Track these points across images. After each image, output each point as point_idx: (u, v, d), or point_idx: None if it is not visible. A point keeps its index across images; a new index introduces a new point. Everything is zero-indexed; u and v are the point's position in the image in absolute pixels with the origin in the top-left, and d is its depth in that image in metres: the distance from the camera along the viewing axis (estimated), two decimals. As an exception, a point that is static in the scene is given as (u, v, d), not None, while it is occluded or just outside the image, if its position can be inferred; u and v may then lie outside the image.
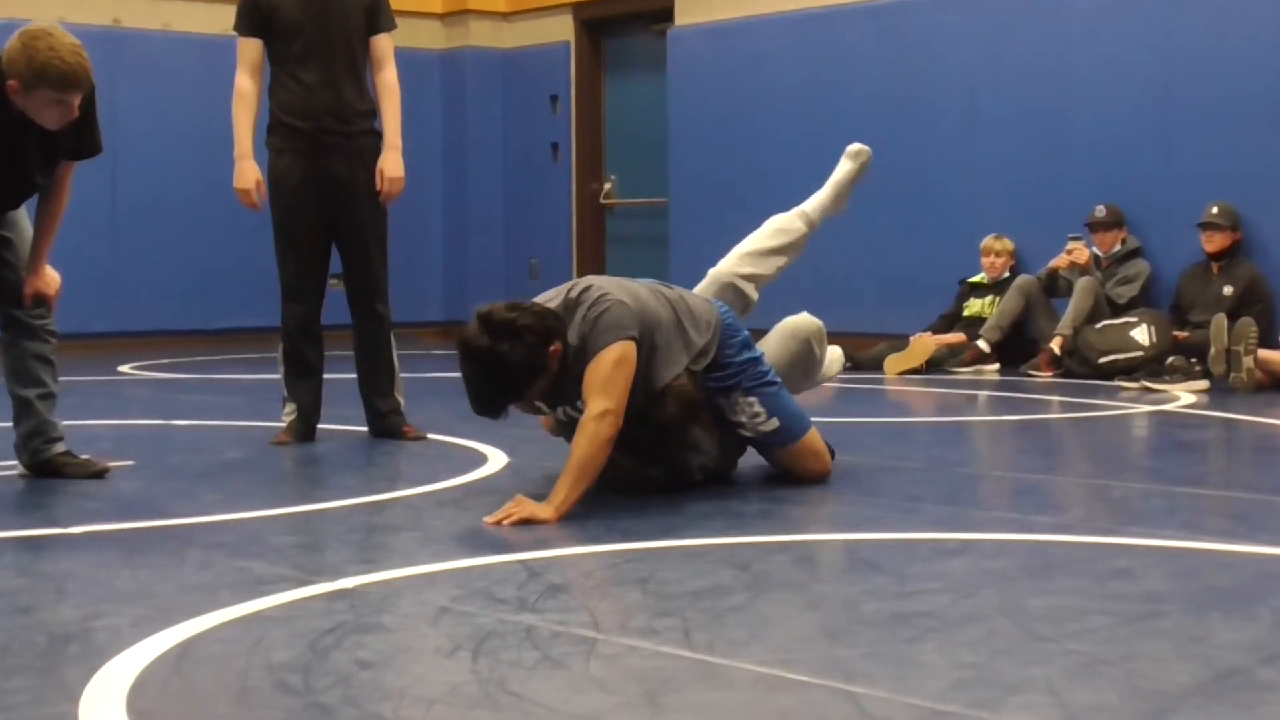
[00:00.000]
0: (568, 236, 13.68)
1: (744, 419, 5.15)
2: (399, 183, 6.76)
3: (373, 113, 6.82)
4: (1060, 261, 10.01)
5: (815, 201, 6.00)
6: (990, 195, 10.74)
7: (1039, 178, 10.52)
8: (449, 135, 14.10)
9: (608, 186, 13.62)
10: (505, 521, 4.59)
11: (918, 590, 3.74)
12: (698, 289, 5.60)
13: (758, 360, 5.17)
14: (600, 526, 4.53)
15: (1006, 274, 10.48)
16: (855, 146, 6.06)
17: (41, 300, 5.49)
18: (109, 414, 7.65)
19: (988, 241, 10.56)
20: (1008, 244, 10.56)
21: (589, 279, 5.08)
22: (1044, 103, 10.49)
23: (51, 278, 5.53)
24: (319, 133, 6.69)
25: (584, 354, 4.82)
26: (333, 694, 2.96)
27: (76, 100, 5.11)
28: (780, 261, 5.78)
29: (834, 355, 5.98)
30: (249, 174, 6.69)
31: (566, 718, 2.75)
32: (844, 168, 6.04)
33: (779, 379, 5.22)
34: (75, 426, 6.36)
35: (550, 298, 5.01)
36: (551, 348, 4.79)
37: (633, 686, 2.97)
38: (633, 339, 4.81)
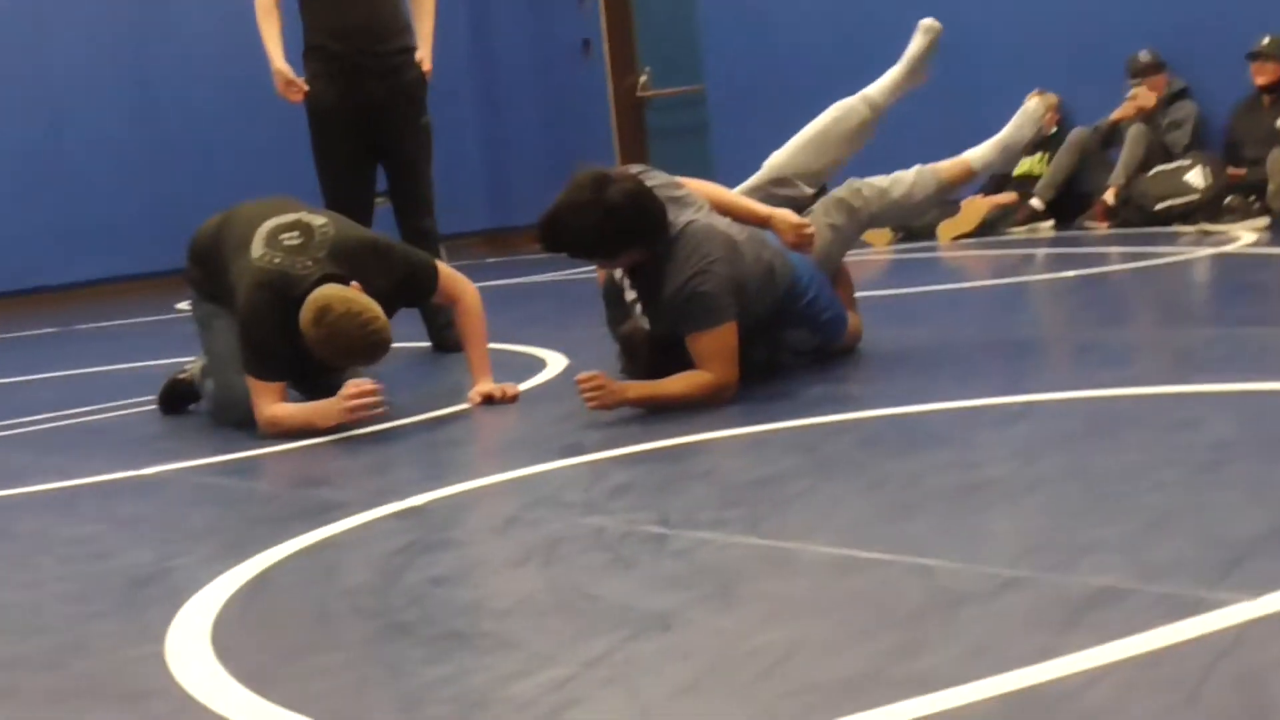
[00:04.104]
0: (607, 133, 13.60)
1: (791, 345, 5.19)
2: None
3: (408, 29, 6.79)
4: (1125, 110, 9.84)
5: (880, 84, 5.72)
6: (1031, 51, 10.60)
7: (1079, 28, 10.37)
8: (477, 40, 14.01)
9: (643, 79, 13.52)
10: (591, 401, 4.58)
11: (983, 459, 3.73)
12: (750, 182, 5.48)
13: (811, 300, 5.10)
14: (661, 421, 4.52)
15: (1054, 129, 10.35)
16: (927, 21, 5.78)
17: None
18: (166, 353, 7.69)
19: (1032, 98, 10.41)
20: (1052, 99, 10.37)
21: (697, 205, 4.92)
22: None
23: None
24: (355, 54, 6.67)
25: (679, 302, 4.73)
26: (409, 613, 2.99)
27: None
28: (842, 151, 5.56)
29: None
30: (284, 76, 6.71)
31: (642, 616, 2.76)
32: (915, 44, 5.75)
33: (820, 293, 5.13)
34: (140, 368, 6.42)
35: (658, 186, 4.90)
36: (648, 238, 4.73)
37: (706, 580, 2.98)
38: (734, 319, 4.75)
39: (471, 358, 5.29)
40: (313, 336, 4.77)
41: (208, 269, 5.26)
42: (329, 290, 4.81)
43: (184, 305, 5.62)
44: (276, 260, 4.94)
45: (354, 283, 4.88)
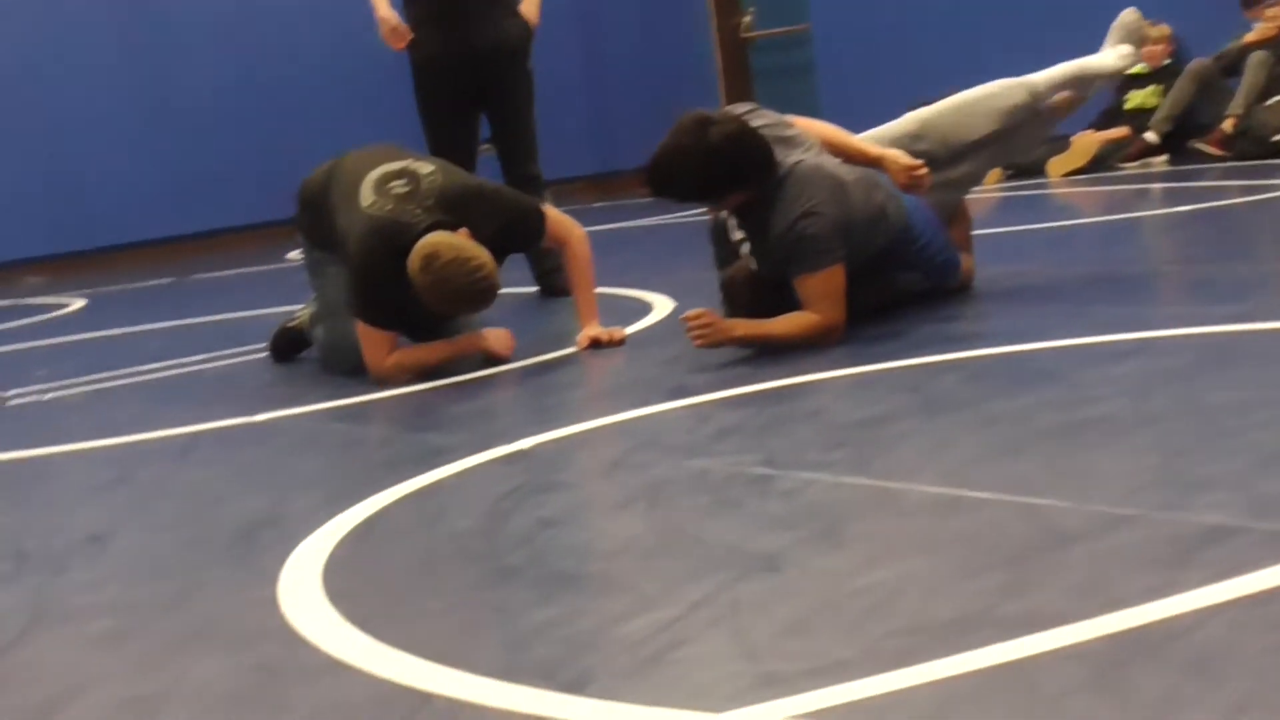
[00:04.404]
0: (712, 75, 13.54)
1: (902, 287, 5.15)
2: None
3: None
4: (1267, 30, 9.61)
5: (1048, 75, 5.46)
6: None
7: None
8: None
9: (747, 19, 13.44)
10: (698, 338, 4.58)
11: (1093, 396, 3.69)
12: (887, 129, 5.39)
13: (924, 244, 5.06)
14: (767, 363, 4.51)
15: (1167, 61, 10.17)
16: (1126, 49, 5.56)
17: None
18: (278, 301, 7.77)
19: (1144, 29, 10.23)
20: (1165, 29, 10.23)
21: (806, 145, 4.87)
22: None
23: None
24: (457, 2, 6.69)
25: (787, 244, 4.71)
26: (516, 555, 3.01)
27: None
28: (990, 128, 5.32)
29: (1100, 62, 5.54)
30: (389, 23, 6.74)
31: (747, 557, 2.77)
32: (1104, 60, 5.55)
33: (934, 237, 5.09)
34: (252, 316, 6.50)
35: (767, 125, 4.88)
36: (753, 180, 4.72)
37: (811, 520, 2.98)
38: (841, 261, 4.72)
39: (579, 302, 5.31)
40: (421, 283, 4.79)
41: (316, 216, 5.30)
42: (437, 237, 4.83)
43: (295, 255, 5.67)
44: (387, 208, 4.97)
45: (463, 229, 4.89)
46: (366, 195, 5.03)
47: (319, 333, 5.44)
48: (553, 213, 5.32)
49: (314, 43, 12.49)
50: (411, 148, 5.46)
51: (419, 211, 4.95)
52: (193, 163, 12.11)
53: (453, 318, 5.18)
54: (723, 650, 2.33)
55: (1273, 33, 9.55)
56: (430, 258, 4.77)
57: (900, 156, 5.00)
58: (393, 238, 4.91)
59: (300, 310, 5.74)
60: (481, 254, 4.82)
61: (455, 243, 4.81)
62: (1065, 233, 7.36)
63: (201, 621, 2.84)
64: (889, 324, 4.92)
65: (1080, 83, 5.54)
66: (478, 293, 4.84)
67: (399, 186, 5.03)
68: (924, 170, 4.99)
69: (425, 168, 5.13)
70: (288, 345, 5.71)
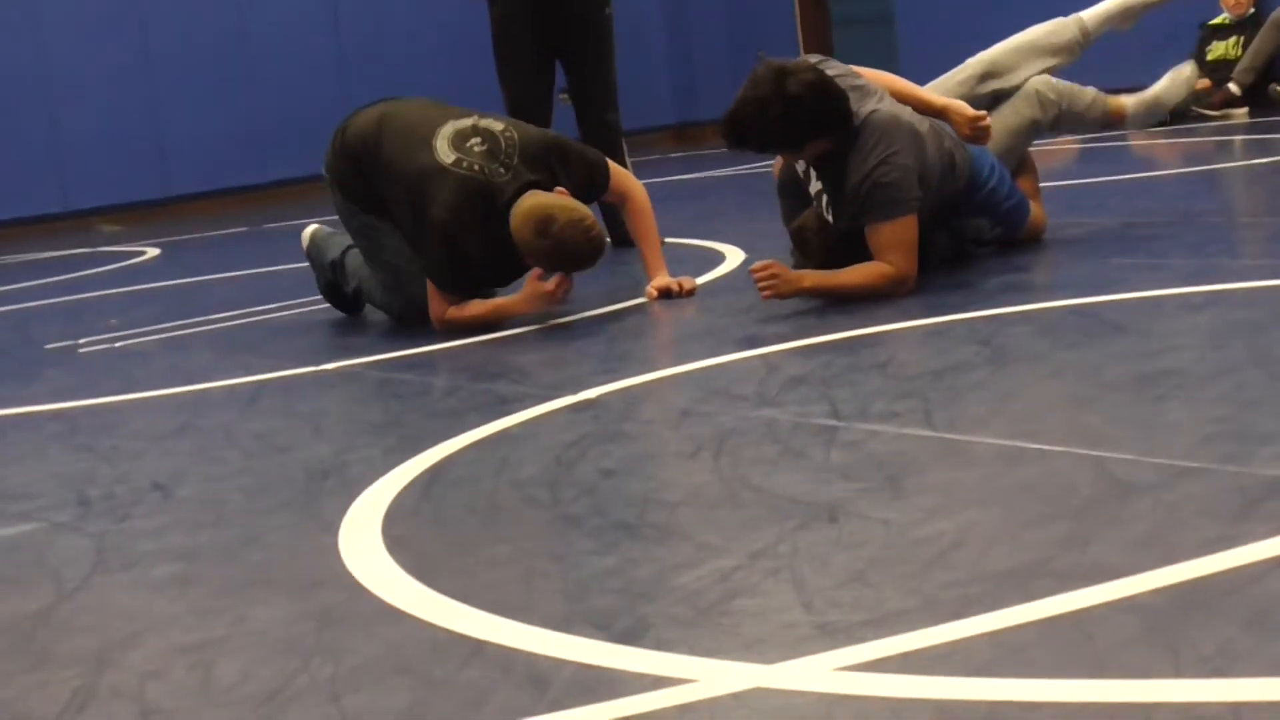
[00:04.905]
0: (791, 23, 13.46)
1: (971, 234, 5.12)
2: None
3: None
4: None
5: (1097, 11, 5.64)
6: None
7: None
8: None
9: (828, -33, 13.34)
10: (766, 290, 4.56)
11: (1164, 348, 3.65)
12: (950, 77, 5.38)
13: (992, 190, 5.02)
14: (837, 314, 4.49)
15: (1251, 10, 10.02)
16: None
17: None
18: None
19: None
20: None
21: (878, 95, 4.84)
22: None
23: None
24: None
25: (862, 193, 4.68)
26: (578, 504, 3.01)
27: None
28: (1046, 64, 5.45)
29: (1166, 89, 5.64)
30: None
31: (809, 508, 2.75)
32: None
33: (1000, 183, 5.05)
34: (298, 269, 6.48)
35: (839, 76, 4.85)
36: (832, 127, 4.69)
37: (875, 471, 2.96)
38: (915, 211, 4.68)
39: (646, 254, 5.29)
40: (537, 245, 4.78)
41: (363, 165, 5.21)
42: (543, 199, 4.82)
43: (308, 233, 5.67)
44: (475, 166, 4.94)
45: (559, 189, 4.88)
46: (446, 152, 4.98)
47: (379, 295, 5.38)
48: (615, 167, 5.30)
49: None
50: (476, 103, 5.43)
51: (504, 171, 4.93)
52: (269, 111, 12.15)
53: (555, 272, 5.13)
54: (780, 601, 2.32)
55: None
56: (546, 220, 4.75)
57: (964, 107, 4.98)
58: (487, 198, 4.88)
59: (328, 254, 5.64)
60: (589, 213, 4.84)
61: (565, 204, 4.81)
62: (1143, 184, 7.27)
63: (262, 568, 2.85)
64: (960, 275, 4.88)
65: (1128, 14, 5.66)
66: (595, 251, 4.86)
67: (478, 144, 4.99)
68: (987, 121, 4.96)
69: (496, 124, 5.10)
70: (347, 302, 5.67)
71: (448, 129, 5.05)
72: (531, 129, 5.22)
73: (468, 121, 5.09)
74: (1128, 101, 5.54)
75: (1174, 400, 3.18)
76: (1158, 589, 2.11)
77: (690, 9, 13.98)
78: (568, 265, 4.88)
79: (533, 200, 4.81)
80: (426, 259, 4.99)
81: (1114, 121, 5.55)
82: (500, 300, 5.07)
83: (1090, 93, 5.42)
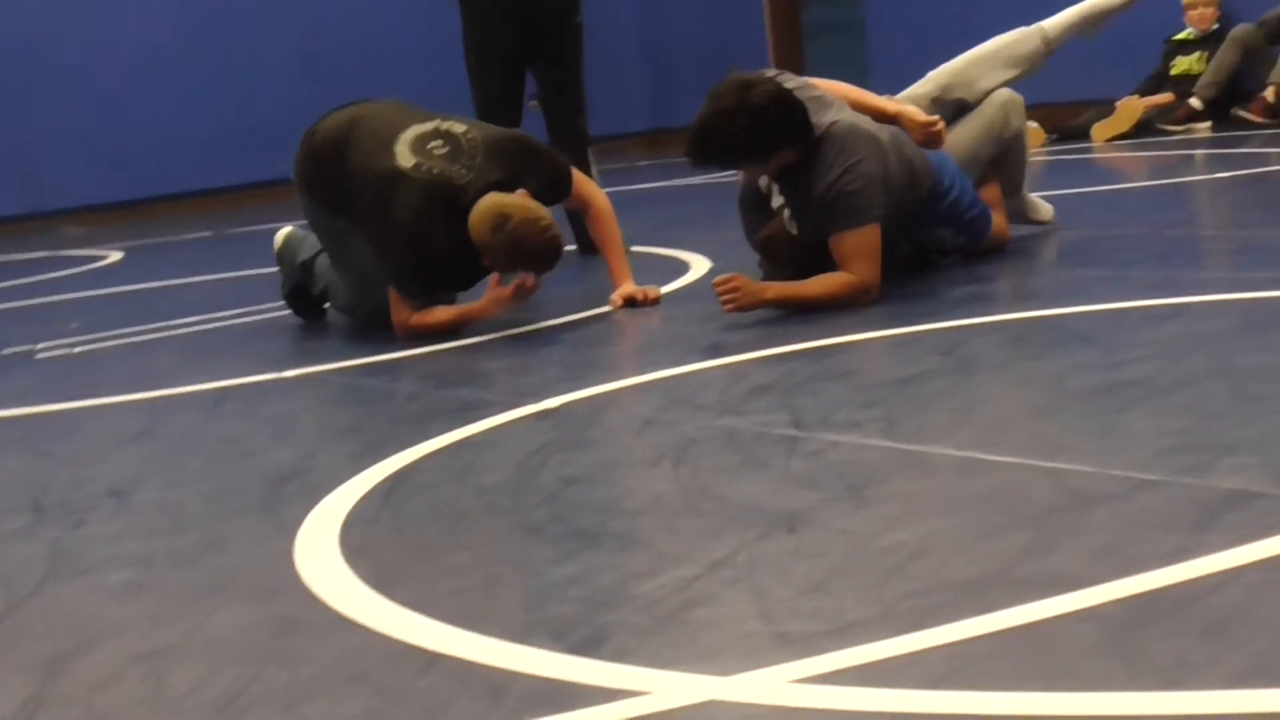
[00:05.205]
0: (761, 31, 13.46)
1: (934, 244, 5.13)
2: None
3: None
4: None
5: (1058, 20, 5.67)
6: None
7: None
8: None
9: (799, -25, 13.35)
10: (728, 303, 4.54)
11: (1127, 359, 3.65)
12: (914, 89, 5.40)
13: (954, 200, 5.03)
14: (801, 323, 4.48)
15: (1215, 26, 10.06)
16: None
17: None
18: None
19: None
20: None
21: (837, 105, 4.84)
22: None
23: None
24: None
25: (826, 203, 4.68)
26: (540, 512, 3.00)
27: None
28: (1007, 75, 5.48)
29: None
30: None
31: (769, 517, 2.75)
32: None
33: (962, 193, 5.06)
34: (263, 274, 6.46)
35: (797, 88, 4.85)
36: (797, 138, 4.69)
37: (836, 481, 2.96)
38: (879, 220, 4.67)
39: (610, 261, 5.28)
40: (492, 244, 4.76)
41: (330, 169, 5.17)
42: (501, 198, 4.81)
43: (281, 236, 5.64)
44: (435, 170, 4.93)
45: (520, 190, 4.87)
46: (406, 156, 4.97)
47: (342, 298, 5.36)
48: (577, 173, 5.30)
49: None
50: (445, 106, 5.42)
51: (466, 172, 4.92)
52: (236, 114, 12.10)
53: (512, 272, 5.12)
54: (739, 610, 2.31)
55: None
56: (502, 218, 4.74)
57: (916, 112, 5.01)
58: (448, 200, 4.87)
59: (299, 255, 5.62)
60: (547, 214, 4.82)
61: (522, 203, 4.79)
62: (1107, 197, 7.29)
63: (219, 575, 2.83)
64: (925, 284, 4.89)
65: (1089, 23, 5.70)
66: (551, 251, 4.83)
67: (438, 147, 4.98)
68: (940, 125, 5.00)
69: (457, 126, 5.09)
70: (310, 306, 5.66)
71: (409, 134, 5.03)
72: (497, 129, 5.22)
73: (430, 125, 5.07)
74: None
75: (1135, 411, 3.19)
76: (1116, 600, 2.11)
77: (663, 17, 13.98)
78: (524, 263, 4.86)
79: (491, 199, 4.81)
80: (389, 264, 4.98)
81: (1010, 197, 5.55)
82: (464, 307, 5.06)
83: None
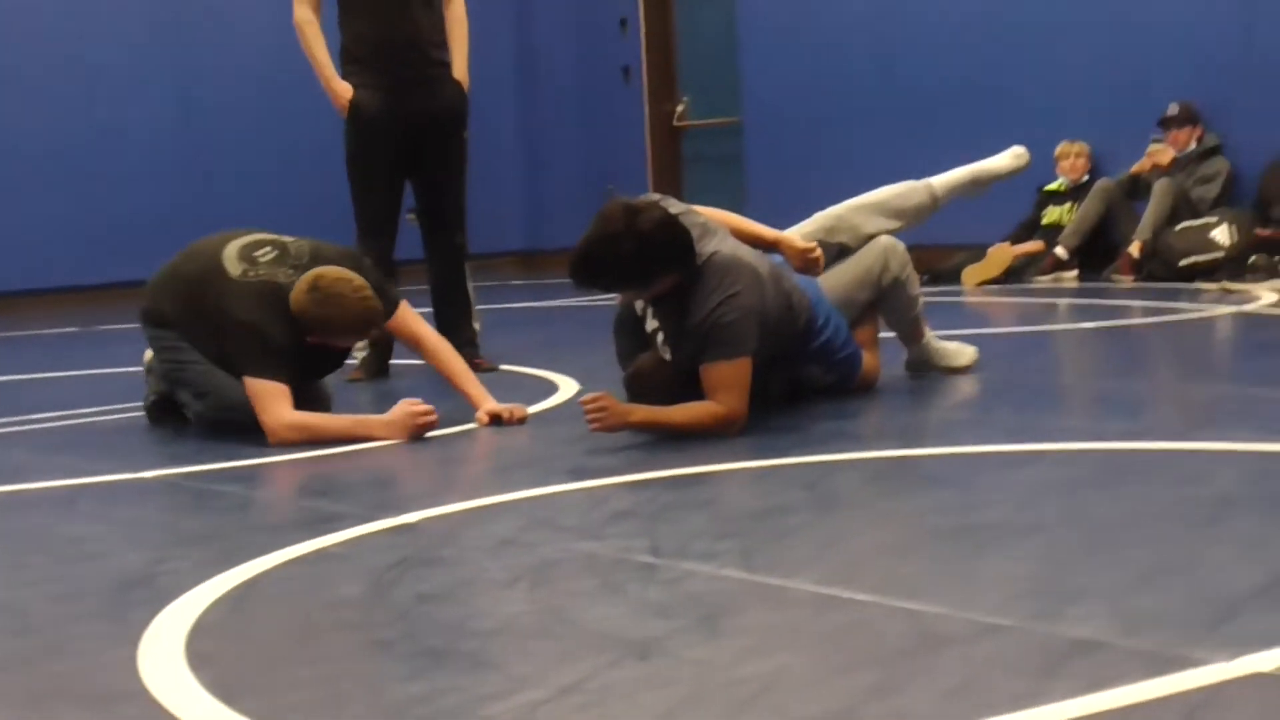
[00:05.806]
0: (642, 159, 13.60)
1: (805, 381, 5.20)
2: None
3: (446, 43, 6.80)
4: (1142, 165, 9.83)
5: (947, 179, 5.77)
6: (1065, 101, 10.54)
7: (1114, 78, 10.33)
8: (520, 62, 14.03)
9: (680, 108, 13.52)
10: (594, 423, 4.55)
11: (983, 503, 3.70)
12: (799, 228, 5.46)
13: (827, 339, 5.09)
14: (667, 450, 4.50)
15: (1085, 177, 10.30)
16: (1019, 149, 5.87)
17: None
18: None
19: (1062, 147, 10.37)
20: (1084, 146, 10.38)
21: (720, 234, 4.90)
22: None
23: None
24: (397, 67, 6.68)
25: (701, 332, 4.72)
26: (391, 629, 2.98)
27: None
28: (891, 225, 5.54)
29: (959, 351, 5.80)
30: (345, 92, 6.69)
31: (622, 644, 2.74)
32: (998, 162, 5.85)
33: (836, 332, 5.13)
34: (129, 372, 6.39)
35: (681, 214, 4.88)
36: (682, 267, 4.72)
37: (690, 610, 2.96)
38: (751, 353, 4.72)
39: (465, 388, 5.28)
40: (309, 309, 4.95)
41: (163, 295, 5.28)
42: (316, 269, 5.02)
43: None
44: (260, 274, 5.07)
45: None
46: (233, 266, 5.11)
47: (199, 407, 5.30)
48: (405, 307, 5.36)
49: (248, 94, 12.43)
50: (319, 215, 5.46)
51: (292, 272, 5.06)
52: (107, 211, 11.98)
53: (345, 347, 5.25)
54: (586, 737, 2.30)
55: (1148, 167, 9.74)
56: (315, 278, 4.97)
57: (795, 239, 5.11)
58: (278, 299, 5.02)
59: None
60: (360, 278, 5.00)
61: (335, 269, 5.02)
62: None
63: (60, 680, 2.77)
64: (791, 419, 4.93)
65: (976, 184, 5.81)
66: (366, 310, 5.01)
67: (266, 254, 5.17)
68: (818, 252, 5.09)
69: (288, 237, 5.27)
70: (165, 412, 5.60)
71: (235, 245, 5.20)
72: (328, 243, 5.37)
73: (258, 235, 5.26)
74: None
75: (989, 555, 3.22)
76: (959, 743, 2.13)
77: (545, 138, 14.08)
78: (338, 322, 4.99)
79: (307, 274, 5.01)
80: (242, 360, 5.00)
81: (911, 345, 5.65)
82: (361, 418, 5.04)
83: (919, 295, 5.52)
